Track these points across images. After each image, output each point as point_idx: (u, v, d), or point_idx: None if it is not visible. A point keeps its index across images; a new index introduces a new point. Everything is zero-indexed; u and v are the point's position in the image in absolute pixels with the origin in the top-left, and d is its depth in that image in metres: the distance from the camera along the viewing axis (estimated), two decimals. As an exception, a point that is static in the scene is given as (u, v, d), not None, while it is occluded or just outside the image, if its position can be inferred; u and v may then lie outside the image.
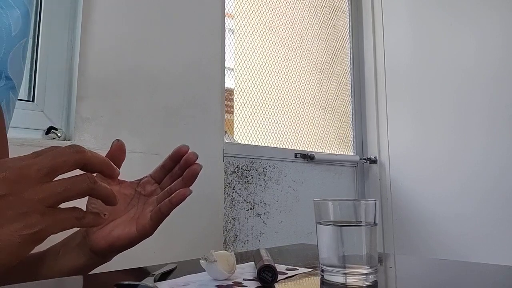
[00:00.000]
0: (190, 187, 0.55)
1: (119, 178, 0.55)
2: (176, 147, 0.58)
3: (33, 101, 0.97)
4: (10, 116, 0.61)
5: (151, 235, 0.54)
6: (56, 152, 0.39)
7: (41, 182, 0.37)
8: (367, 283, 0.43)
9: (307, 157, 1.71)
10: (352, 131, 2.04)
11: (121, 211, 0.55)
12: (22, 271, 0.54)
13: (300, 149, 1.73)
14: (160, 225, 0.54)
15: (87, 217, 0.41)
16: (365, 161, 2.00)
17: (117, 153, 0.54)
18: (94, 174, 0.41)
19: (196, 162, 0.56)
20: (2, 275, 0.37)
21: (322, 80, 1.92)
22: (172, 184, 0.57)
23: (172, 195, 0.54)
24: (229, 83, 1.49)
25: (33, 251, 0.39)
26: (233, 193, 1.40)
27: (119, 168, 0.52)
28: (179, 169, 0.58)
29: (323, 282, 0.45)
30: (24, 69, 0.64)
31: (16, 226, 0.36)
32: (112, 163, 0.44)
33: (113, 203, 0.43)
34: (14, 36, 0.59)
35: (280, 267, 0.52)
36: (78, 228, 0.55)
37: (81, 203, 0.43)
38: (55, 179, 0.39)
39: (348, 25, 2.11)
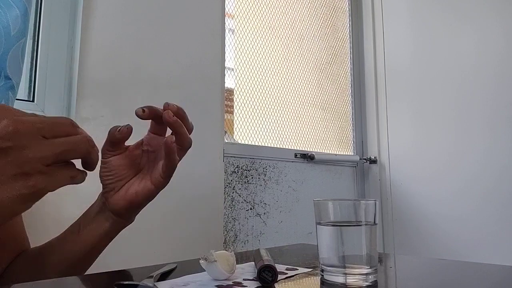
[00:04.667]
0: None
1: None
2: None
3: (33, 101, 0.97)
4: None
5: (165, 186, 0.56)
6: (55, 119, 0.40)
7: (42, 139, 0.38)
8: (367, 283, 0.43)
9: (307, 157, 1.71)
10: (352, 131, 2.04)
11: (133, 171, 0.57)
12: (50, 254, 0.57)
13: (300, 149, 1.73)
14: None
15: (79, 175, 0.42)
16: (365, 161, 2.00)
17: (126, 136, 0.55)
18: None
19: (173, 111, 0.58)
20: None
21: (322, 80, 1.92)
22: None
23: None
24: (229, 83, 1.49)
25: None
26: (233, 193, 1.40)
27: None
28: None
29: (323, 282, 0.45)
30: (22, 69, 0.65)
31: (16, 185, 0.36)
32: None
33: (92, 169, 0.44)
34: (13, 36, 0.59)
35: (280, 267, 0.52)
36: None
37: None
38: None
39: (348, 25, 2.11)
